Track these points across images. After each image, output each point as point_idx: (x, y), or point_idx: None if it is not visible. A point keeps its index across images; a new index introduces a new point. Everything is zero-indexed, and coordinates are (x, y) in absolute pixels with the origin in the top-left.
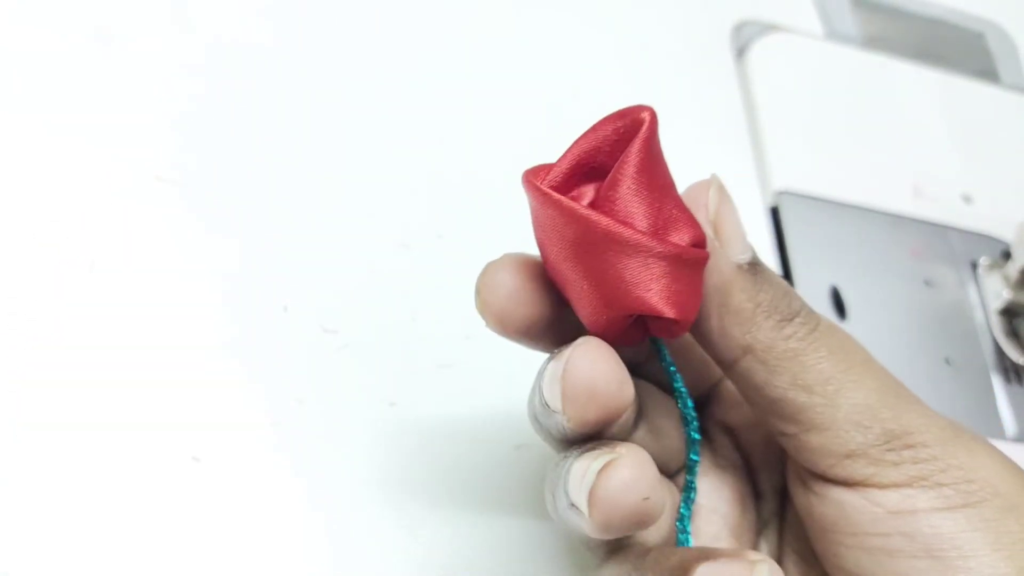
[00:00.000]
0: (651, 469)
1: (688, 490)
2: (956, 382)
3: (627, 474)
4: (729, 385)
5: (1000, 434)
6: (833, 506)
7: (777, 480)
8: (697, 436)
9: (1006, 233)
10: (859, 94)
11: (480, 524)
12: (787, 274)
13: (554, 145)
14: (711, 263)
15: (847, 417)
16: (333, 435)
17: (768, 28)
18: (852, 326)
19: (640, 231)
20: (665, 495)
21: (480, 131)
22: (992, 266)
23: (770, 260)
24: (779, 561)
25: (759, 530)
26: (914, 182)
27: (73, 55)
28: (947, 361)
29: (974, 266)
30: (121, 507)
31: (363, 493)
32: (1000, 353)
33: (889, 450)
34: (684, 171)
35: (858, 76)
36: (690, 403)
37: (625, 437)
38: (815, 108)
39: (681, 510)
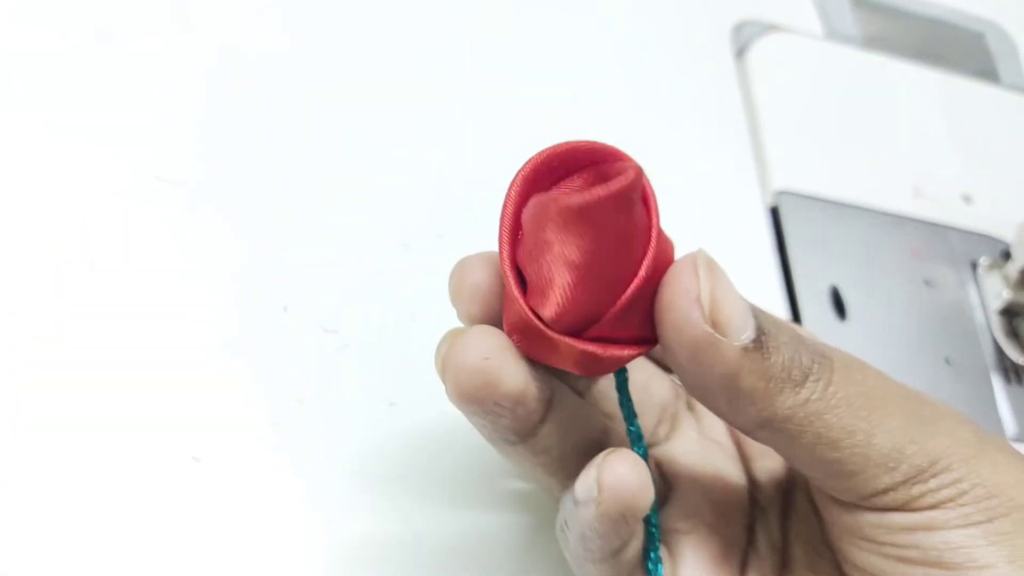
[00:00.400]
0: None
1: (651, 537)
2: (956, 382)
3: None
4: None
5: (1000, 434)
6: (852, 518)
7: (776, 470)
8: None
9: (1006, 233)
10: (859, 94)
11: (480, 523)
12: (787, 274)
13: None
14: (714, 353)
15: (875, 462)
16: (333, 435)
17: (768, 28)
18: (852, 326)
19: (516, 278)
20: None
21: (480, 131)
22: (992, 266)
23: (770, 260)
24: (783, 549)
25: (753, 515)
26: (914, 182)
27: (73, 55)
28: (947, 361)
29: (974, 266)
30: (121, 507)
31: (363, 493)
32: (1000, 353)
33: (916, 483)
34: (684, 171)
35: (858, 76)
36: (643, 448)
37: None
38: (815, 108)
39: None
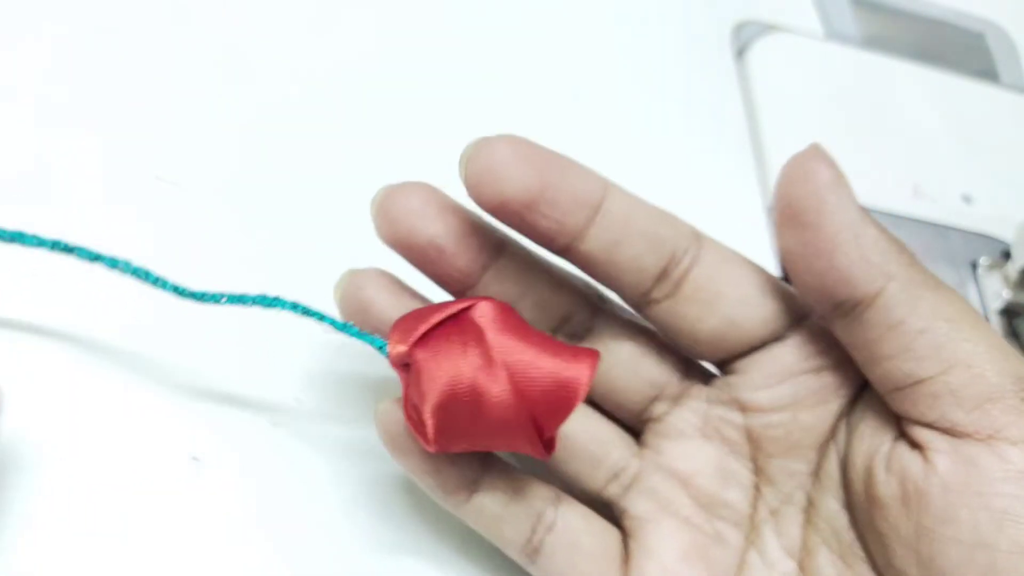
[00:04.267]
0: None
1: None
2: None
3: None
4: (760, 361)
5: None
6: (961, 463)
7: (800, 469)
8: None
9: (1006, 233)
10: (859, 94)
11: None
12: (787, 274)
13: (553, 146)
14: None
15: (988, 354)
16: (333, 434)
17: (768, 28)
18: None
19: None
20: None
21: (479, 132)
22: (992, 266)
23: (770, 260)
24: (803, 557)
25: (757, 518)
26: (914, 182)
27: (72, 53)
28: None
29: (974, 266)
30: (120, 507)
31: (363, 492)
32: None
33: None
34: (683, 171)
35: (858, 76)
36: None
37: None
38: (815, 108)
39: None
